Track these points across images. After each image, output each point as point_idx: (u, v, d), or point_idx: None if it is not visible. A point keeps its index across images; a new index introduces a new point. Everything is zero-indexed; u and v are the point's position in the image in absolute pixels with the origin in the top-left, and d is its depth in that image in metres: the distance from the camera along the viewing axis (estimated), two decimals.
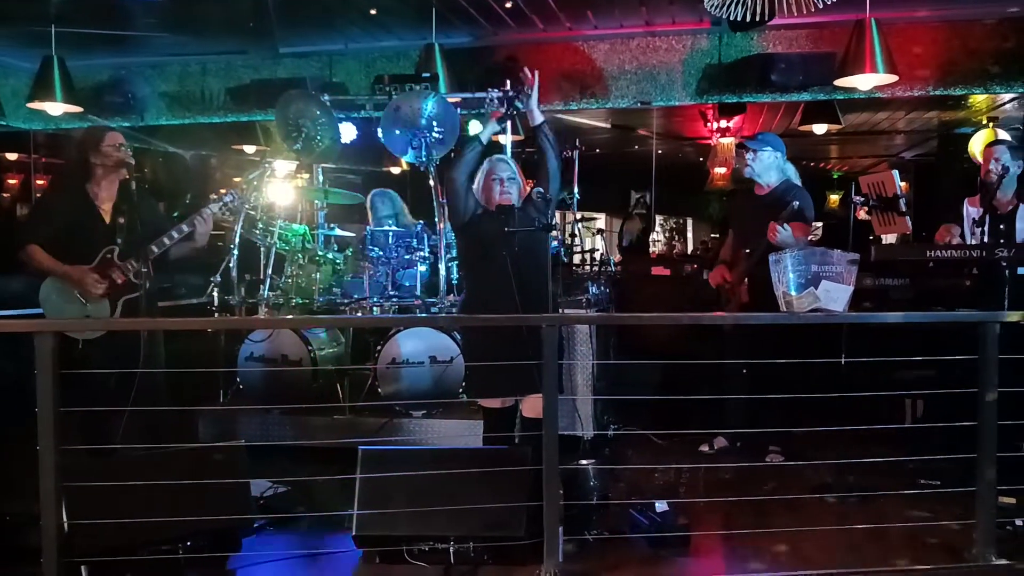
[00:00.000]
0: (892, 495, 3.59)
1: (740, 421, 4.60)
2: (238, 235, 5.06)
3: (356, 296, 5.24)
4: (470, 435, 4.57)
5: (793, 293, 3.29)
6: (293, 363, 4.94)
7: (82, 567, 2.94)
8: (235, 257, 5.10)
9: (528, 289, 3.56)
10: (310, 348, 4.93)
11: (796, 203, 4.32)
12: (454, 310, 4.92)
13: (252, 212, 5.16)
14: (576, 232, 7.16)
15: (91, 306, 3.86)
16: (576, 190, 6.33)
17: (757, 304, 4.38)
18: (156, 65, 6.86)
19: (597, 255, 7.80)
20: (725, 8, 3.82)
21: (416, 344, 4.79)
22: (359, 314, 5.19)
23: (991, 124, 8.42)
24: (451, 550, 3.16)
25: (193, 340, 5.30)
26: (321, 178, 5.94)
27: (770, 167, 4.63)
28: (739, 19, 3.88)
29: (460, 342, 4.61)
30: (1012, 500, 3.56)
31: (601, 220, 14.13)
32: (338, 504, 3.59)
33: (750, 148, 4.67)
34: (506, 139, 5.65)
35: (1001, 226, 4.13)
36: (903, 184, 4.27)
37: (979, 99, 7.63)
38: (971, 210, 4.27)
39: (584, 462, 3.77)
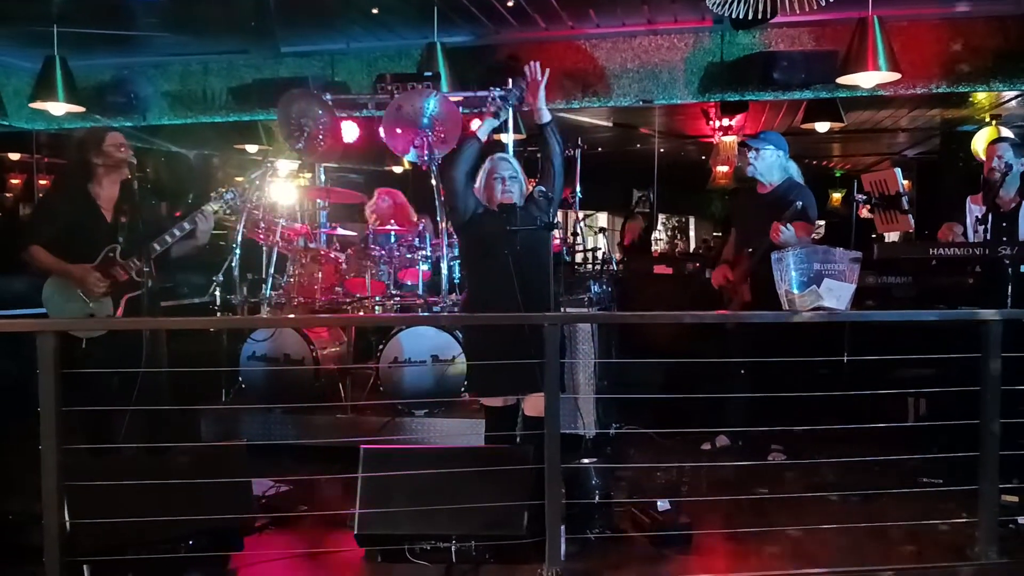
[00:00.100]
0: (894, 493, 3.58)
1: (742, 420, 4.59)
2: (240, 234, 5.06)
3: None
4: (472, 434, 4.57)
5: (795, 291, 3.27)
6: (295, 362, 4.94)
7: (84, 566, 2.94)
8: (237, 256, 5.11)
9: (530, 288, 3.55)
10: (312, 348, 4.94)
11: (799, 203, 4.31)
12: (456, 309, 4.93)
13: (255, 212, 5.17)
14: (578, 231, 7.17)
15: (94, 304, 3.88)
16: (578, 189, 6.33)
17: (759, 302, 4.37)
18: (158, 65, 6.86)
19: (599, 254, 7.80)
20: (727, 6, 3.81)
21: (418, 343, 4.79)
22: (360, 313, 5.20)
23: (994, 122, 8.40)
24: (453, 549, 3.16)
25: (195, 339, 5.31)
26: (323, 177, 5.95)
27: (773, 166, 4.62)
28: (741, 17, 3.88)
29: (462, 341, 4.61)
30: (1015, 498, 3.56)
31: (603, 219, 14.14)
32: (340, 503, 3.60)
33: (752, 146, 4.65)
34: (508, 138, 5.65)
35: (1004, 224, 4.13)
36: (906, 182, 4.27)
37: (982, 97, 7.61)
38: (974, 208, 4.27)
39: (586, 461, 3.76)
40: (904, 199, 4.20)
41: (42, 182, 9.09)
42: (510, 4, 5.63)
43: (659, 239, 14.51)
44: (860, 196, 4.27)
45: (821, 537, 3.37)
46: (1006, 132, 8.06)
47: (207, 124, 7.04)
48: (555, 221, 3.80)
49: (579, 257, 7.46)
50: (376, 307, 5.20)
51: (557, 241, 5.30)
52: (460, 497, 3.10)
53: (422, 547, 3.17)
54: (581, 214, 7.12)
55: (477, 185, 3.81)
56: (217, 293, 5.20)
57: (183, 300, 6.14)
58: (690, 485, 4.28)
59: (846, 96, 6.31)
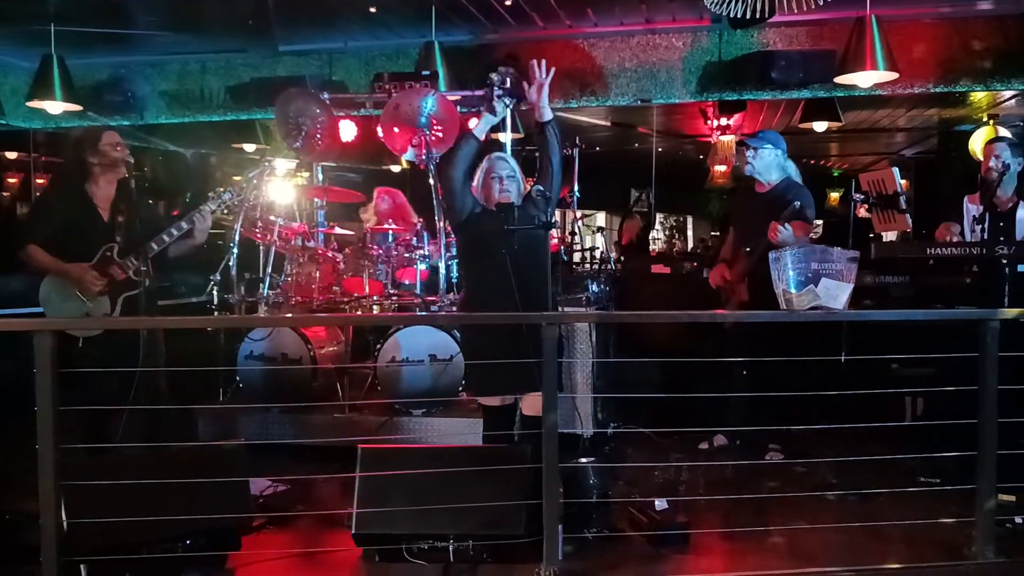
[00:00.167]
0: (892, 493, 3.59)
1: (740, 419, 4.59)
2: (238, 233, 5.06)
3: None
4: (470, 433, 4.57)
5: (793, 291, 3.28)
6: (293, 361, 4.94)
7: (81, 566, 2.93)
8: (235, 255, 5.11)
9: (528, 287, 3.54)
10: (309, 347, 4.94)
11: (798, 203, 4.31)
12: (454, 308, 4.92)
13: (253, 211, 5.17)
14: (576, 230, 7.16)
15: (91, 303, 3.87)
16: (576, 188, 6.32)
17: (757, 302, 4.37)
18: (156, 63, 6.85)
19: (597, 253, 7.80)
20: (725, 5, 3.81)
21: (416, 342, 4.79)
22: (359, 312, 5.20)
23: (991, 121, 8.42)
24: (450, 548, 3.16)
25: (193, 338, 5.30)
26: (321, 176, 5.94)
27: (771, 165, 4.62)
28: (739, 16, 3.88)
29: (460, 340, 4.61)
30: (1012, 498, 3.56)
31: (601, 218, 14.14)
32: (337, 503, 3.60)
33: (751, 146, 4.65)
34: (506, 137, 5.65)
35: (1001, 223, 4.13)
36: (903, 182, 4.27)
37: (979, 96, 7.63)
38: (971, 207, 4.27)
39: (584, 460, 3.76)
40: (902, 198, 4.20)
41: (39, 181, 9.08)
42: (508, 3, 5.62)
43: (657, 238, 14.52)
44: (858, 196, 4.27)
45: (818, 536, 3.38)
46: (1004, 132, 8.08)
47: (205, 123, 7.03)
48: (553, 220, 3.79)
49: (577, 256, 7.46)
50: (374, 306, 5.19)
51: (555, 240, 5.31)
52: (458, 497, 3.10)
53: (420, 546, 3.17)
54: (579, 213, 7.11)
55: (475, 184, 3.80)
56: (215, 292, 5.20)
57: (180, 299, 6.14)
58: (688, 484, 4.28)
59: (844, 95, 6.30)
